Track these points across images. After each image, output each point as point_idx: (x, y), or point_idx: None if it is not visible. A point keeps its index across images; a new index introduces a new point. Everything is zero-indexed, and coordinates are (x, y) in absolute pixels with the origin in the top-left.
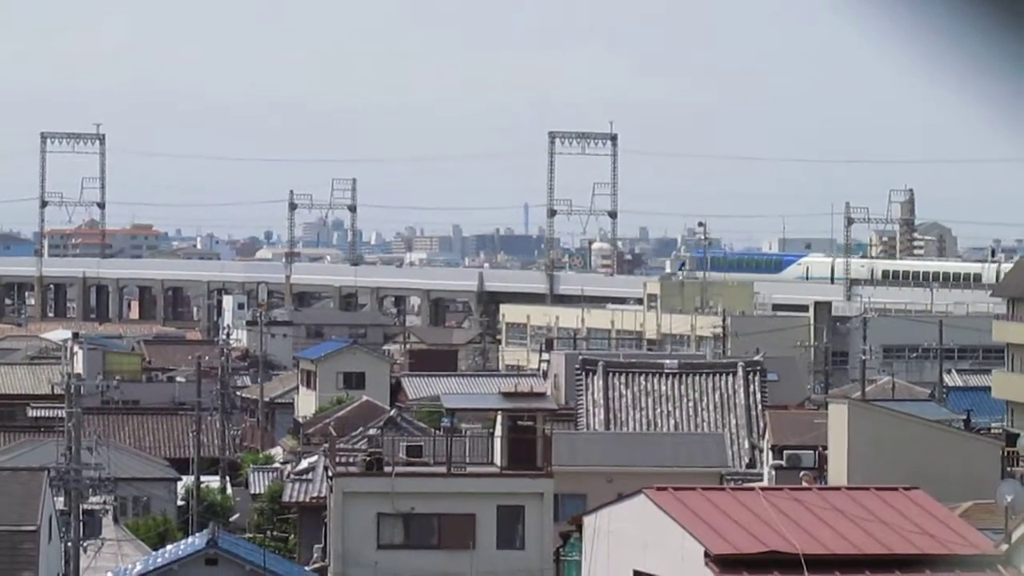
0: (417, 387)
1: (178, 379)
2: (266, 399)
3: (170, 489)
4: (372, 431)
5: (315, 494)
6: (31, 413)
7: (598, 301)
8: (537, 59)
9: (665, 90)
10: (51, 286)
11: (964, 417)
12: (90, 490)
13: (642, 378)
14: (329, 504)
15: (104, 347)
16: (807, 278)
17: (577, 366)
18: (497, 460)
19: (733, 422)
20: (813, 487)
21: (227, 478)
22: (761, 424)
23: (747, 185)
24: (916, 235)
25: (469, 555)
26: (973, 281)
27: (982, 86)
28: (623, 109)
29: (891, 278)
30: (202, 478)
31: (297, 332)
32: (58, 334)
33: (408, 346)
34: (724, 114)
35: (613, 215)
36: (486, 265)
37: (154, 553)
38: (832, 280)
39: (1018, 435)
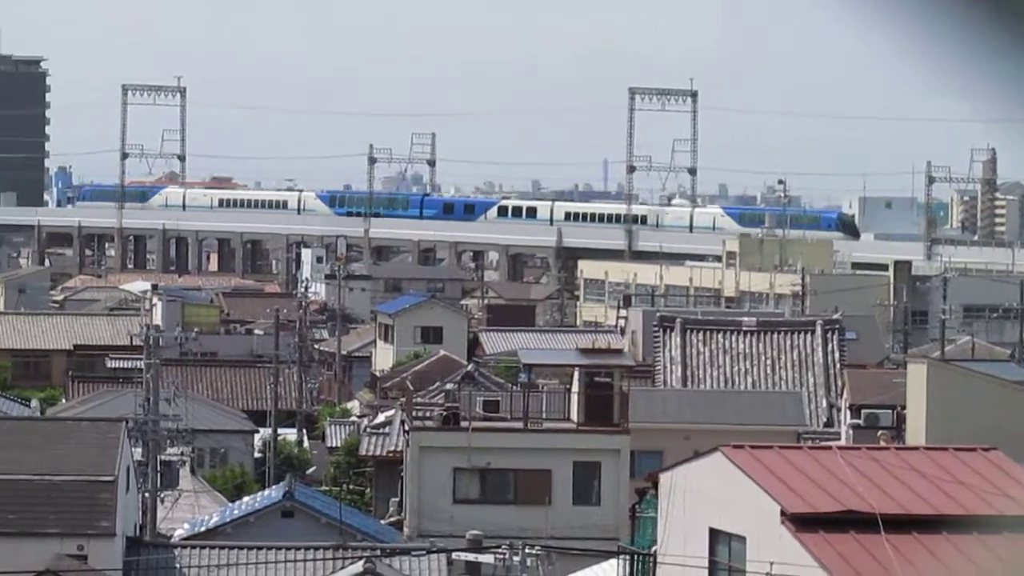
0: (495, 342)
1: (256, 332)
2: (344, 352)
3: (247, 441)
4: (449, 386)
5: (392, 448)
6: (110, 364)
7: (676, 258)
8: (618, 13)
9: (746, 45)
10: (131, 238)
11: None
12: (168, 441)
13: (720, 335)
14: (405, 458)
15: (183, 299)
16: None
17: (655, 323)
18: (574, 416)
19: (811, 381)
20: (891, 447)
21: (304, 431)
22: (839, 383)
23: (828, 143)
24: (997, 195)
25: (545, 511)
26: None
27: None
28: (704, 65)
29: None
30: (279, 430)
31: (375, 286)
32: (137, 285)
33: (486, 301)
34: (806, 70)
35: (692, 172)
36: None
37: (231, 505)
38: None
39: None
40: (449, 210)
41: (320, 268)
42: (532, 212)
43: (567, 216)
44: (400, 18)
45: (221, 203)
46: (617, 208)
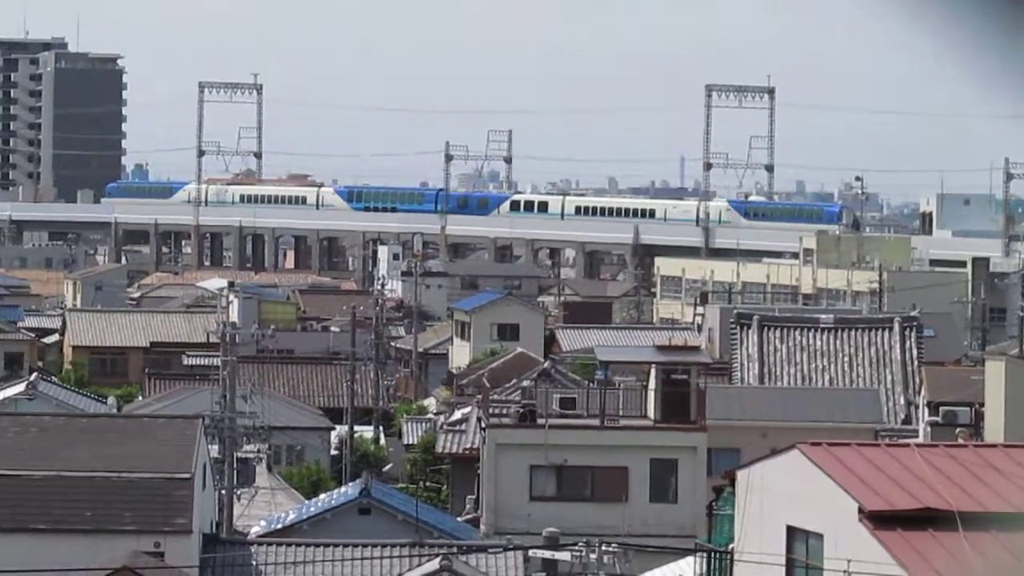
0: (571, 339)
1: (333, 329)
2: (420, 350)
3: (324, 438)
4: (526, 383)
5: (468, 445)
6: (187, 361)
7: (754, 255)
8: (695, 11)
9: (824, 41)
10: (207, 235)
11: None
12: (244, 438)
13: (797, 333)
14: (482, 455)
15: (259, 296)
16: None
17: (732, 320)
18: (650, 413)
19: (889, 378)
20: (969, 444)
21: (380, 428)
22: (917, 380)
23: (906, 139)
24: None
25: (621, 508)
26: None
27: None
28: (781, 61)
29: None
30: (356, 428)
31: (452, 283)
32: (214, 283)
33: (562, 298)
34: (883, 67)
35: (770, 168)
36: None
37: (307, 502)
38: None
39: None
40: (463, 204)
41: (396, 265)
42: (544, 206)
43: (577, 210)
44: (477, 15)
45: (242, 198)
46: (628, 202)
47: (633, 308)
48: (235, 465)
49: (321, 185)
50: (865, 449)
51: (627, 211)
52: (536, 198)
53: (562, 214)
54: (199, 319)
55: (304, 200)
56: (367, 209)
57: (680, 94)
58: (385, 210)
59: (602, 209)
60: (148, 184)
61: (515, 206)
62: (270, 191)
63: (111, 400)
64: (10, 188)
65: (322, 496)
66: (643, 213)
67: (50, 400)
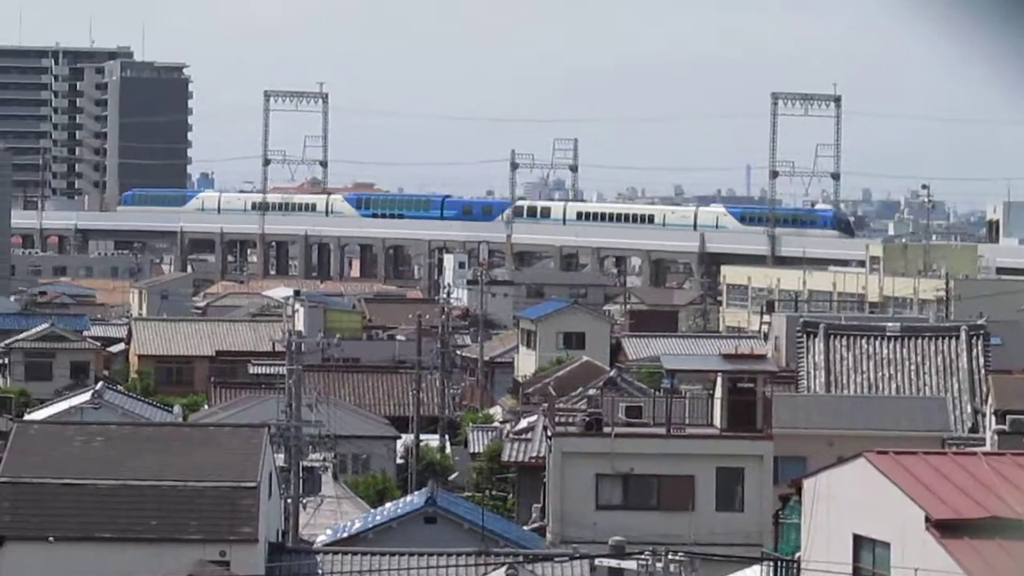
0: (637, 348)
1: (398, 337)
2: (486, 358)
3: (389, 447)
4: (592, 391)
5: (534, 454)
6: (252, 370)
7: (820, 263)
8: (762, 18)
9: (889, 51)
10: (273, 244)
11: None
12: (310, 447)
13: (864, 341)
14: (548, 464)
15: (325, 305)
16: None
17: (798, 328)
18: (717, 422)
19: (955, 386)
20: None
21: (447, 437)
22: (984, 388)
23: (973, 147)
24: None
25: (688, 516)
26: None
27: None
28: (847, 69)
29: None
30: (422, 436)
31: (517, 291)
32: (279, 291)
33: (628, 306)
34: (949, 75)
35: (836, 177)
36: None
37: (373, 511)
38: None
39: None
40: (468, 211)
41: (462, 273)
42: (546, 212)
43: (579, 216)
44: (542, 24)
45: (254, 206)
46: (629, 208)
47: (699, 316)
48: (301, 474)
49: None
50: (932, 458)
51: (626, 216)
52: (539, 204)
53: (564, 219)
54: (265, 328)
55: (314, 207)
56: (375, 216)
57: (746, 102)
58: (392, 216)
59: (602, 215)
60: (163, 193)
61: (518, 212)
62: (283, 199)
63: (177, 409)
64: (76, 197)
65: (388, 505)
66: (642, 218)
67: (116, 409)
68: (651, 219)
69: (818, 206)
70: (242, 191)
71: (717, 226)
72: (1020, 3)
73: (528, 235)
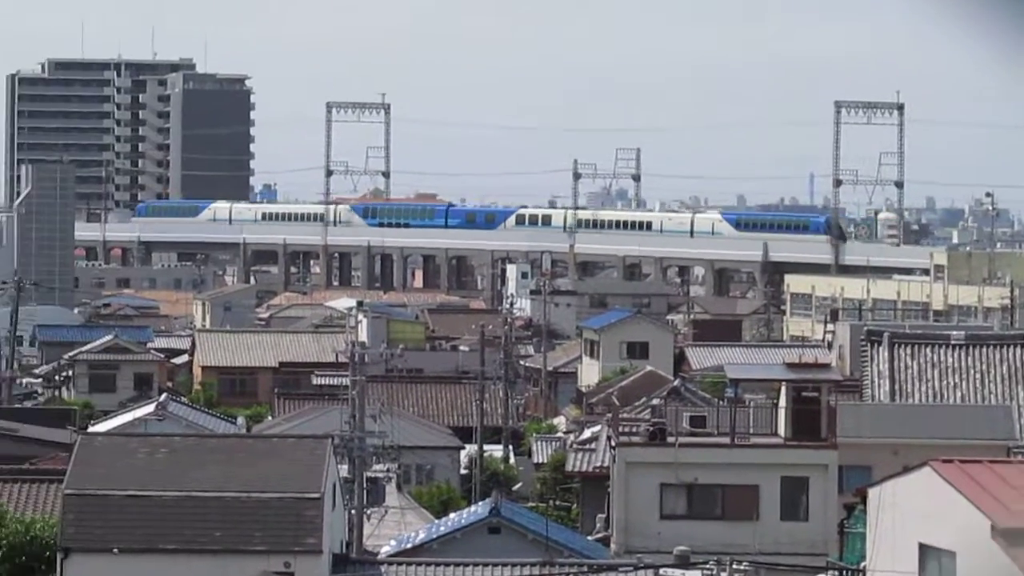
0: (701, 357)
1: (462, 348)
2: (549, 368)
3: (453, 457)
4: (656, 401)
5: (598, 464)
6: (316, 381)
7: (884, 272)
8: (824, 26)
9: (950, 59)
10: (336, 255)
11: None
12: (374, 458)
13: (928, 349)
14: (612, 474)
15: (388, 315)
16: None
17: (862, 337)
18: (781, 431)
19: (1021, 394)
20: None
21: (510, 447)
22: None
23: None
24: None
25: (752, 526)
26: None
27: None
28: (910, 78)
29: None
30: (485, 447)
31: (581, 301)
32: (343, 303)
33: (692, 316)
34: (1013, 81)
35: (899, 185)
36: (771, 235)
37: (437, 521)
38: None
39: None
40: (472, 220)
41: (525, 284)
42: (548, 220)
43: (580, 223)
44: (605, 34)
45: (264, 216)
46: (629, 215)
47: (763, 326)
48: (365, 485)
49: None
50: (997, 466)
51: (625, 223)
52: (540, 212)
53: (564, 227)
54: (328, 339)
55: (322, 217)
56: (381, 225)
57: (809, 110)
58: (398, 226)
59: (602, 222)
60: (176, 204)
61: (520, 220)
62: (288, 209)
63: (240, 420)
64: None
65: (452, 515)
66: (639, 225)
67: (180, 421)
68: (649, 226)
69: (881, 215)
70: (297, 201)
71: (713, 232)
72: None
73: (591, 245)
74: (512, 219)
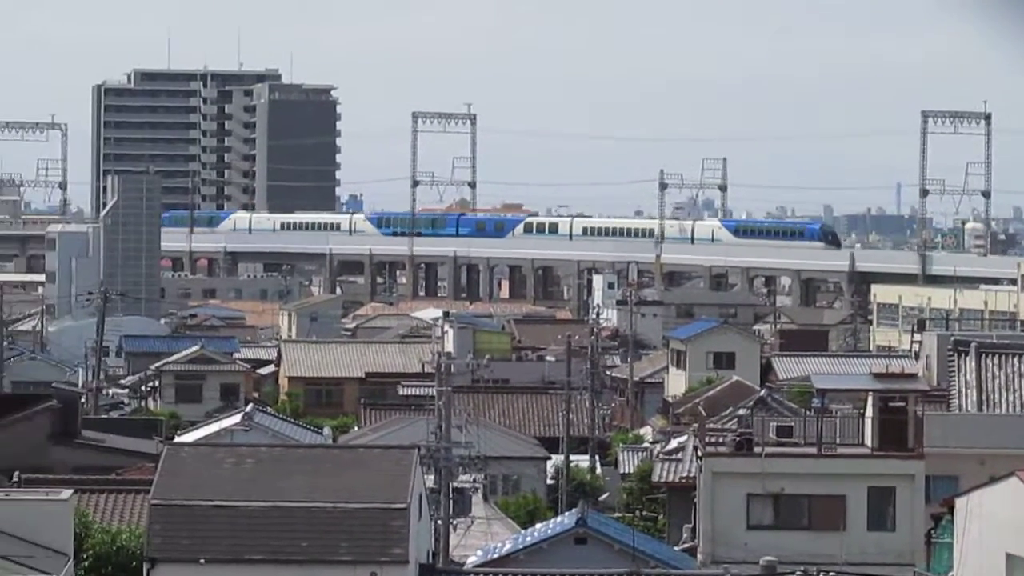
0: (787, 367)
1: (548, 358)
2: (636, 378)
3: (540, 468)
4: (742, 411)
5: (684, 474)
6: (402, 391)
7: (971, 282)
8: (909, 36)
9: None
10: (422, 265)
11: None
12: (460, 468)
13: (1016, 359)
14: (699, 484)
15: (474, 326)
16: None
17: (949, 347)
18: (868, 441)
19: None
20: None
21: (596, 457)
22: None
23: None
24: None
25: (839, 536)
26: None
27: None
28: (997, 86)
29: None
30: (572, 457)
31: (667, 312)
32: (429, 313)
33: (779, 326)
34: None
35: (987, 195)
36: (858, 245)
37: (523, 532)
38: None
39: None
40: (481, 228)
41: (611, 294)
42: (554, 228)
43: (584, 231)
44: (692, 43)
45: (283, 226)
46: (633, 223)
47: (850, 336)
48: (451, 495)
49: (536, 214)
50: None
51: (627, 231)
52: (547, 220)
53: (571, 235)
54: (414, 349)
55: (338, 227)
56: (395, 234)
57: (896, 120)
58: (409, 234)
59: (606, 229)
60: (198, 214)
61: (528, 228)
62: (308, 219)
63: (327, 431)
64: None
65: (538, 526)
66: (640, 232)
67: (266, 431)
68: (650, 233)
69: (968, 225)
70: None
71: (713, 239)
72: None
73: (677, 255)
74: (520, 227)
